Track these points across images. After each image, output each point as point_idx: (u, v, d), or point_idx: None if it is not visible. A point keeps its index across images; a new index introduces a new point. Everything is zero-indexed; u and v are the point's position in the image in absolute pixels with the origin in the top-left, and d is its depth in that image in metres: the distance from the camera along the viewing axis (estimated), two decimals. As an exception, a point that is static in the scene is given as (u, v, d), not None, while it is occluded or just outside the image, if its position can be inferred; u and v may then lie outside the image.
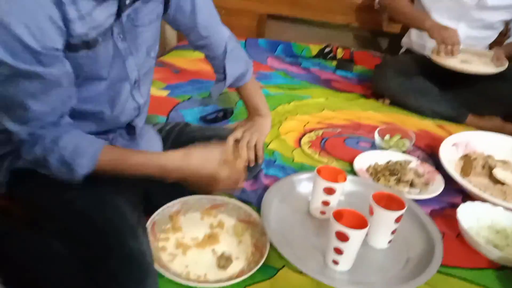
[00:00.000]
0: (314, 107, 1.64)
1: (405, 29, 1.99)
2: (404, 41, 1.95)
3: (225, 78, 1.11)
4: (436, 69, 1.70)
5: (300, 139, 1.41)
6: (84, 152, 0.77)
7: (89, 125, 0.87)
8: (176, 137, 1.11)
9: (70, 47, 0.73)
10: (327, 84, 1.88)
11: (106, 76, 0.82)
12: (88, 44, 0.75)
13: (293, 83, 1.85)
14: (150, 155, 0.83)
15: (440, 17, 1.73)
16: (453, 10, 1.72)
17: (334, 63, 2.10)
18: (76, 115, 0.81)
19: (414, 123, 1.60)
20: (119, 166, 0.80)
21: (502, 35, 1.84)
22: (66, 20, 0.69)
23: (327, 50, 2.16)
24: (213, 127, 1.30)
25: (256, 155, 1.10)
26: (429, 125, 1.60)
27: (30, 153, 0.76)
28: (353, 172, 1.22)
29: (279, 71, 1.95)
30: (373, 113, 1.64)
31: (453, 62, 1.60)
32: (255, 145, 1.10)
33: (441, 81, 1.71)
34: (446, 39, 1.57)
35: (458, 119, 1.64)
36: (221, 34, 1.09)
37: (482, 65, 1.63)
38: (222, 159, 0.85)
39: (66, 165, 0.76)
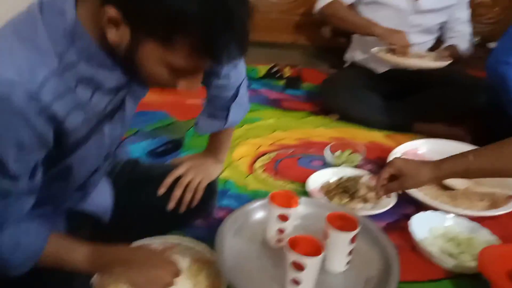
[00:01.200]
0: (266, 129, 1.64)
1: (348, 44, 2.05)
2: (348, 55, 2.00)
3: (225, 118, 1.01)
4: (380, 80, 1.75)
5: (253, 163, 1.40)
6: (24, 250, 0.69)
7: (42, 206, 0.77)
8: (128, 179, 1.03)
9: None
10: (276, 104, 1.89)
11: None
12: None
13: (243, 106, 1.84)
14: (94, 246, 0.76)
15: None
16: (391, 18, 1.77)
17: (283, 82, 2.12)
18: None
19: (364, 135, 1.63)
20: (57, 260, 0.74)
21: (439, 41, 1.93)
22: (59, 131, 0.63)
23: (274, 69, 2.18)
24: (160, 164, 1.25)
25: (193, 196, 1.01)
26: (378, 136, 1.64)
27: None
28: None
29: (229, 94, 1.94)
30: (323, 130, 1.66)
31: (401, 59, 1.66)
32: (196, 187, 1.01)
33: (386, 92, 1.76)
34: (398, 42, 1.65)
35: (405, 128, 1.69)
36: (238, 77, 0.99)
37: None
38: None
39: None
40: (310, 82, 2.11)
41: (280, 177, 1.33)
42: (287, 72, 2.18)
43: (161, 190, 1.00)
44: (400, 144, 1.46)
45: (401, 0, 1.75)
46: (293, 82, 2.11)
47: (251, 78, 2.13)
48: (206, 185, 1.03)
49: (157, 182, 1.01)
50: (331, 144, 1.42)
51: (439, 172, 1.01)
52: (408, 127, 1.69)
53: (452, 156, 1.04)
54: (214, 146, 1.09)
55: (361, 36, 1.83)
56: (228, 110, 1.00)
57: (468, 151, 1.05)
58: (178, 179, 1.02)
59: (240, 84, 1.00)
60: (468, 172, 1.02)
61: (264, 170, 1.36)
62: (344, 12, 1.76)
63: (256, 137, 1.57)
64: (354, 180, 1.24)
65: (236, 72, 0.98)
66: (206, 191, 1.04)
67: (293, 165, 1.40)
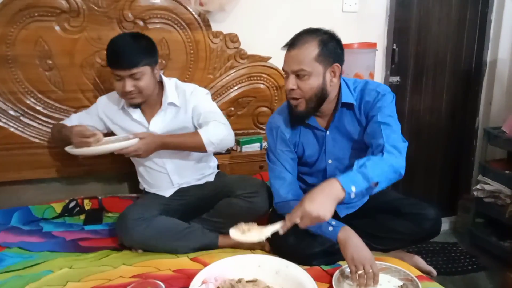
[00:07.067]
0: (56, 283, 1.40)
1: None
2: (140, 180, 1.93)
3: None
4: (175, 203, 1.73)
5: None
6: None
7: None
8: None
9: None
10: (73, 247, 1.68)
11: None
12: None
13: (29, 259, 1.57)
14: None
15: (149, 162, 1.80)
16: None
17: (83, 217, 1.94)
18: None
19: (170, 264, 1.53)
20: None
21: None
22: None
23: (72, 205, 1.99)
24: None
25: None
26: (184, 262, 1.55)
27: None
28: None
29: (12, 247, 1.65)
30: (125, 268, 1.50)
31: (92, 148, 1.57)
32: None
33: (185, 212, 1.73)
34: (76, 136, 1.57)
35: (211, 245, 1.66)
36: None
37: None
38: None
39: None
40: (114, 211, 1.98)
41: None
42: (88, 204, 2.01)
43: None
44: (206, 265, 1.41)
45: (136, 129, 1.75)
46: (94, 216, 1.94)
47: (45, 219, 1.90)
48: None
49: None
50: (129, 287, 1.28)
51: None
52: (213, 243, 1.67)
53: None
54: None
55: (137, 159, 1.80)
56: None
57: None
58: None
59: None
60: None
61: None
62: (55, 130, 1.73)
63: (42, 299, 1.32)
64: (154, 327, 1.12)
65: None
66: None
67: (84, 327, 1.19)
